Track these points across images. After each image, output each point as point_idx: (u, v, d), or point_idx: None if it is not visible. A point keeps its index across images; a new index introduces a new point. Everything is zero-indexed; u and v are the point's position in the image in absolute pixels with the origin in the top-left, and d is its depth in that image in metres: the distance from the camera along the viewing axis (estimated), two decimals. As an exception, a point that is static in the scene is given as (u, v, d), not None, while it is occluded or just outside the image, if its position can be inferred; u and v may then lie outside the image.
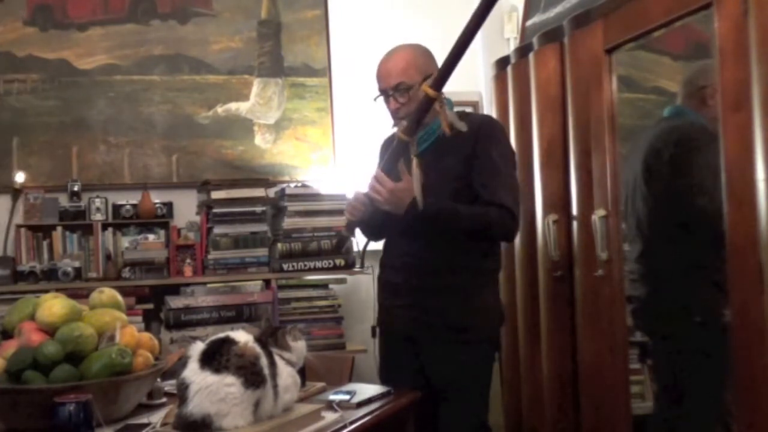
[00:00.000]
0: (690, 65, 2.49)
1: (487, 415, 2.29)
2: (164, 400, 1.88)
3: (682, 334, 2.33)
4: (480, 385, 2.25)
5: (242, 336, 1.55)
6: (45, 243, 3.49)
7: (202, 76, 3.82)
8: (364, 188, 2.19)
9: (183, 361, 1.54)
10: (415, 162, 2.08)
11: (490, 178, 2.16)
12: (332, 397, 1.88)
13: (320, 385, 2.04)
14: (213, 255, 3.51)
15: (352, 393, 1.92)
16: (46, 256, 3.47)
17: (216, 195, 3.54)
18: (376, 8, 4.00)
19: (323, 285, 3.63)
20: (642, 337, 2.47)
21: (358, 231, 2.42)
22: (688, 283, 2.30)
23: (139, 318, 3.35)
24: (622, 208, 2.35)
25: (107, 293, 1.92)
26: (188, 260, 3.48)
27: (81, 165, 3.66)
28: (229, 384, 1.46)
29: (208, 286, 3.48)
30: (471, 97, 4.03)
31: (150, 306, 3.46)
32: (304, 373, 1.85)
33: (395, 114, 2.25)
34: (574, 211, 2.44)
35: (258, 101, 3.88)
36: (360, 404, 1.85)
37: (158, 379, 1.88)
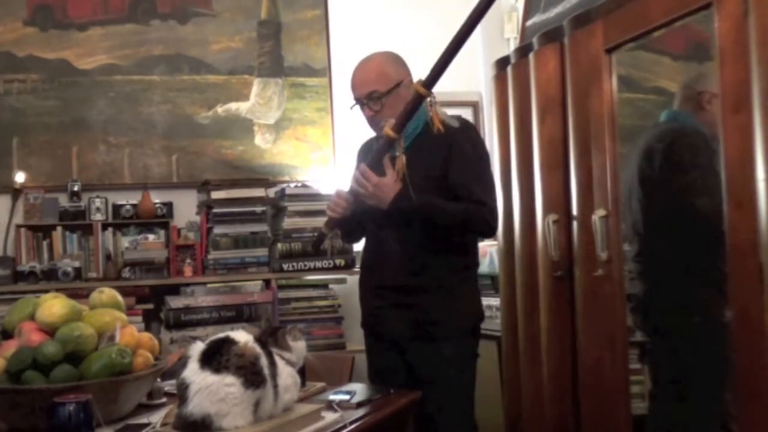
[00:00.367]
0: (690, 65, 2.49)
1: (473, 410, 2.33)
2: (164, 400, 1.88)
3: (680, 333, 2.33)
4: (464, 380, 2.30)
5: (242, 336, 1.55)
6: (45, 243, 3.50)
7: (202, 76, 3.82)
8: (347, 187, 2.25)
9: (183, 361, 1.53)
10: (402, 158, 2.13)
11: (467, 177, 2.23)
12: (332, 397, 1.88)
13: (320, 385, 2.04)
14: (213, 255, 3.51)
15: (352, 393, 1.92)
16: (46, 256, 3.48)
17: (216, 195, 3.54)
18: (376, 8, 4.00)
19: (323, 285, 3.63)
20: (642, 337, 2.47)
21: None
22: (685, 282, 2.30)
23: (139, 318, 3.35)
24: (622, 208, 2.35)
25: (107, 293, 1.92)
26: (188, 260, 3.49)
27: (81, 165, 3.66)
28: (229, 384, 1.46)
29: (208, 286, 3.48)
30: (471, 97, 4.04)
31: (150, 306, 3.47)
32: (304, 373, 1.85)
33: (371, 122, 2.32)
34: (574, 211, 2.44)
35: (258, 101, 3.88)
36: (360, 404, 1.85)
37: (158, 379, 1.89)
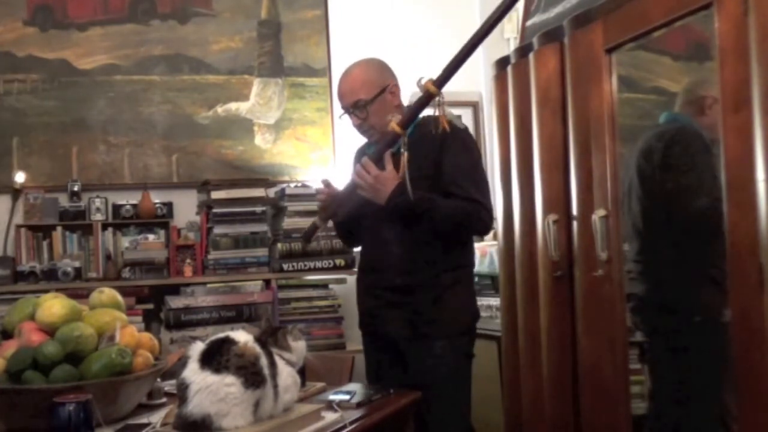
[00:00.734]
0: (690, 65, 2.49)
1: (469, 411, 2.34)
2: (164, 400, 1.88)
3: (680, 333, 2.33)
4: (460, 380, 2.31)
5: (242, 336, 1.55)
6: (45, 243, 3.50)
7: (202, 76, 3.82)
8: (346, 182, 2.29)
9: (183, 361, 1.53)
10: (406, 155, 2.14)
11: (460, 177, 2.25)
12: (332, 397, 1.89)
13: (320, 385, 2.04)
14: (213, 255, 3.51)
15: (352, 393, 1.92)
16: (46, 256, 3.48)
17: (216, 195, 3.54)
18: (376, 8, 4.00)
19: (323, 285, 3.63)
20: (642, 337, 2.47)
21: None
22: (686, 282, 2.30)
23: (139, 318, 3.35)
24: (622, 208, 2.35)
25: (107, 293, 1.92)
26: (188, 260, 3.48)
27: (81, 165, 3.66)
28: (229, 384, 1.46)
29: (208, 286, 3.48)
30: (471, 97, 4.04)
31: (150, 306, 3.47)
32: (304, 373, 1.85)
33: (359, 129, 2.36)
34: (574, 211, 2.44)
35: (258, 101, 3.88)
36: (360, 404, 1.85)
37: (158, 379, 1.89)
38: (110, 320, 1.80)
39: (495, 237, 3.06)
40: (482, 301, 2.58)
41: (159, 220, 3.62)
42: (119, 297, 1.93)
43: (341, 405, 1.82)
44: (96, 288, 1.96)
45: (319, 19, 3.96)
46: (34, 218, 3.52)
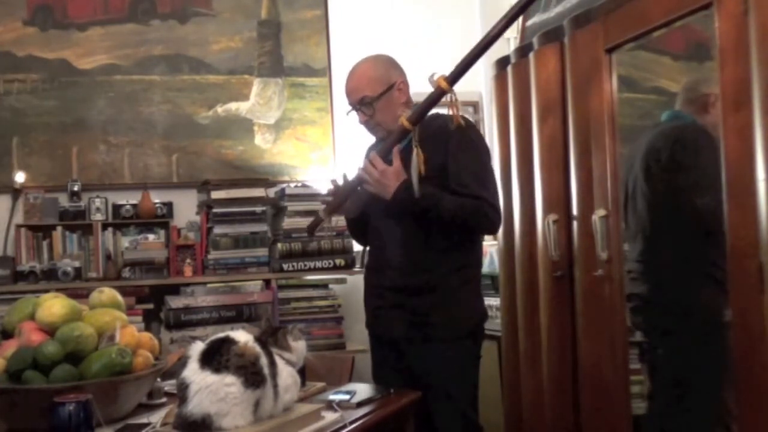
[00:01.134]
0: (690, 65, 2.49)
1: (477, 412, 2.32)
2: (164, 400, 1.88)
3: (683, 333, 2.33)
4: (466, 382, 2.29)
5: (242, 336, 1.55)
6: (45, 243, 3.50)
7: (202, 76, 3.82)
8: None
9: (183, 361, 1.53)
10: (415, 150, 2.14)
11: (466, 174, 2.22)
12: (332, 397, 1.88)
13: (320, 385, 2.04)
14: (213, 255, 3.51)
15: (352, 393, 1.92)
16: (46, 256, 3.48)
17: (216, 195, 3.54)
18: (376, 8, 4.00)
19: (323, 285, 3.63)
20: (642, 337, 2.47)
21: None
22: (688, 282, 2.30)
23: (139, 318, 3.35)
24: (622, 209, 2.35)
25: (107, 293, 1.92)
26: (188, 260, 3.48)
27: (81, 165, 3.66)
28: (229, 384, 1.46)
29: (208, 286, 3.48)
30: (471, 97, 4.03)
31: (150, 306, 3.46)
32: (304, 373, 1.85)
33: (366, 126, 2.35)
34: (574, 211, 2.44)
35: (258, 101, 3.88)
36: (360, 404, 1.85)
37: (158, 379, 1.88)
38: (110, 320, 1.80)
39: (495, 237, 3.05)
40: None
41: (159, 220, 3.61)
42: (119, 297, 1.93)
43: (341, 405, 1.82)
44: (96, 288, 1.96)
45: (319, 19, 3.96)
46: (34, 218, 3.52)
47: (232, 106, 3.85)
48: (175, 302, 3.38)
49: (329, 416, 1.71)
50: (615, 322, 2.28)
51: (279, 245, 3.53)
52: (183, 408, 1.46)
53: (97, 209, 3.54)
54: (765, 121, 1.68)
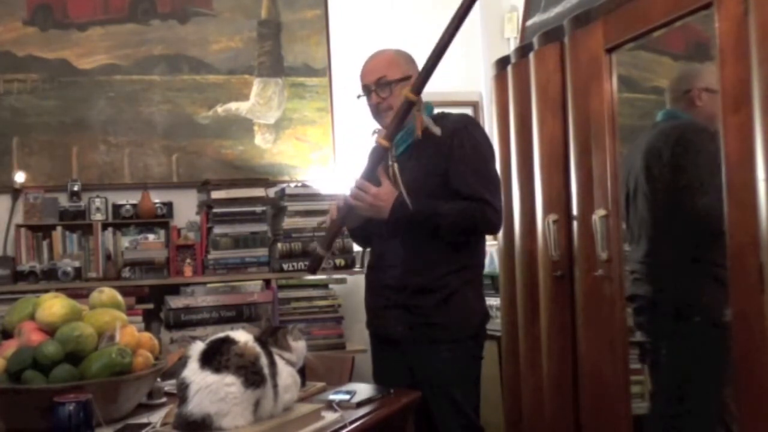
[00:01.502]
0: (690, 65, 2.49)
1: (478, 413, 2.31)
2: (164, 400, 1.88)
3: (681, 333, 2.33)
4: (467, 383, 2.28)
5: (242, 336, 1.55)
6: (45, 243, 3.50)
7: (202, 76, 3.82)
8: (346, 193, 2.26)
9: (183, 361, 1.53)
10: (395, 167, 2.14)
11: (468, 174, 2.21)
12: (332, 397, 1.88)
13: (320, 385, 2.04)
14: (213, 255, 3.51)
15: (352, 393, 1.92)
16: (46, 256, 3.48)
17: (216, 195, 3.54)
18: (376, 8, 4.00)
19: (323, 285, 3.63)
20: (642, 337, 2.47)
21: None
22: (693, 281, 2.30)
23: (139, 318, 3.34)
24: (623, 210, 2.35)
25: (107, 293, 1.91)
26: (188, 260, 3.48)
27: (81, 165, 3.66)
28: (229, 384, 1.46)
29: (208, 286, 3.48)
30: (471, 97, 4.03)
31: (150, 306, 3.46)
32: (304, 373, 1.85)
33: (376, 109, 2.32)
34: (574, 211, 2.44)
35: (258, 101, 3.88)
36: (360, 404, 1.85)
37: (158, 379, 1.88)
38: (110, 320, 1.79)
39: (495, 237, 3.05)
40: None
41: (159, 220, 3.61)
42: (119, 297, 1.93)
43: (341, 405, 1.82)
44: (96, 288, 1.95)
45: (319, 19, 3.96)
46: (34, 218, 3.52)
47: (232, 106, 3.85)
48: (175, 302, 3.38)
49: (329, 416, 1.71)
50: (615, 322, 2.28)
51: (279, 245, 3.53)
52: (183, 408, 1.46)
53: (97, 209, 3.54)
54: (765, 121, 1.69)
